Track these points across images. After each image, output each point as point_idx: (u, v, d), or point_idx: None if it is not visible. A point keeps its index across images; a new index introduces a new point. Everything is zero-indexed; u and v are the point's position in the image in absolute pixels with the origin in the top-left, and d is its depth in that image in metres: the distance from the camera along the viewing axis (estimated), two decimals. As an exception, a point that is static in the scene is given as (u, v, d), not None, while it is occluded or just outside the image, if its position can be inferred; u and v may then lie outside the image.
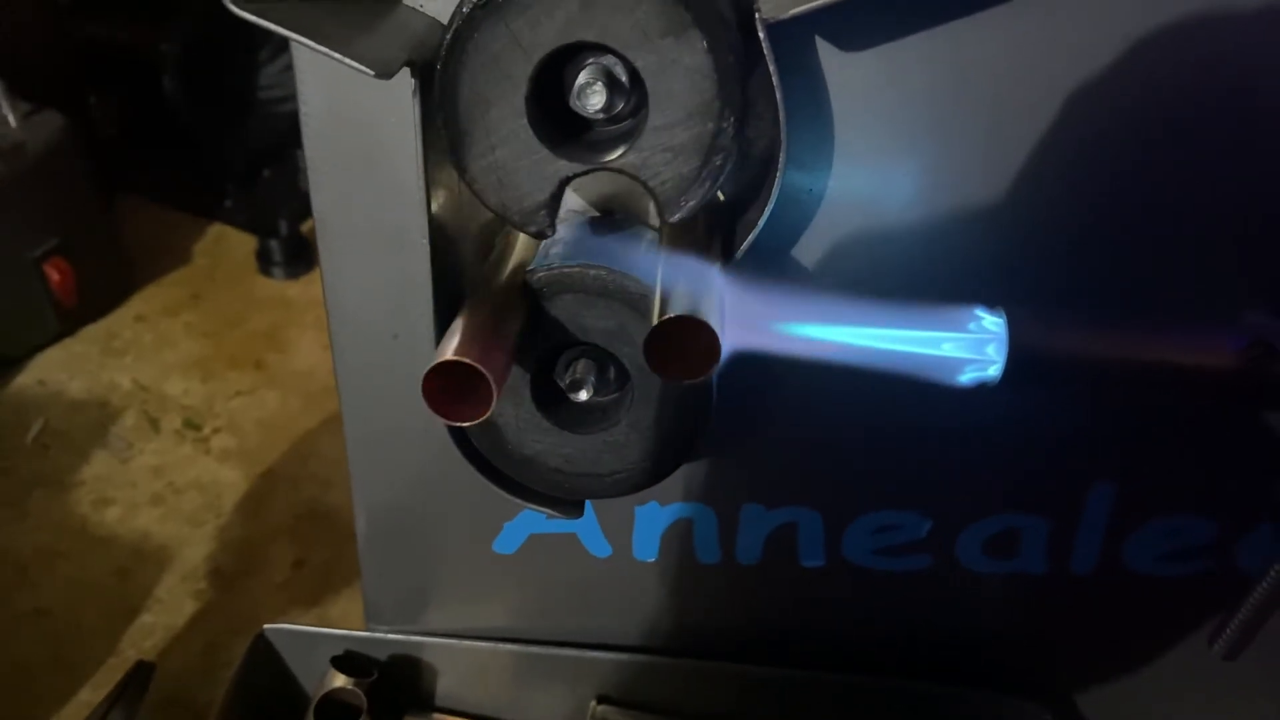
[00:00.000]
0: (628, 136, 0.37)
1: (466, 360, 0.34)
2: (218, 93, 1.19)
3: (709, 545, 0.54)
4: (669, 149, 0.36)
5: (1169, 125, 0.39)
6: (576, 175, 0.37)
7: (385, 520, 0.55)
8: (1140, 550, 0.52)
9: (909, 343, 0.36)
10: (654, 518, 0.53)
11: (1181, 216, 0.41)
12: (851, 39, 0.39)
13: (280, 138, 1.17)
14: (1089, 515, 0.51)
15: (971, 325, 0.36)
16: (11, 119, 0.92)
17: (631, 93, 0.37)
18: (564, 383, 0.43)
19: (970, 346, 0.35)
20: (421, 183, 0.40)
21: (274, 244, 1.01)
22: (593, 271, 0.40)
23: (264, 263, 1.03)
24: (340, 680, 0.55)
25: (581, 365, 0.43)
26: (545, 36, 0.35)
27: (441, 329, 0.43)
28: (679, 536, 0.54)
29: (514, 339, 0.38)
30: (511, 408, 0.43)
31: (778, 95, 0.36)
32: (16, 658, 0.71)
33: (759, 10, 0.35)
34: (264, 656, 0.58)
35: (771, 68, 0.36)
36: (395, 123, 0.42)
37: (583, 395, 0.43)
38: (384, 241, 0.45)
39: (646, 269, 0.40)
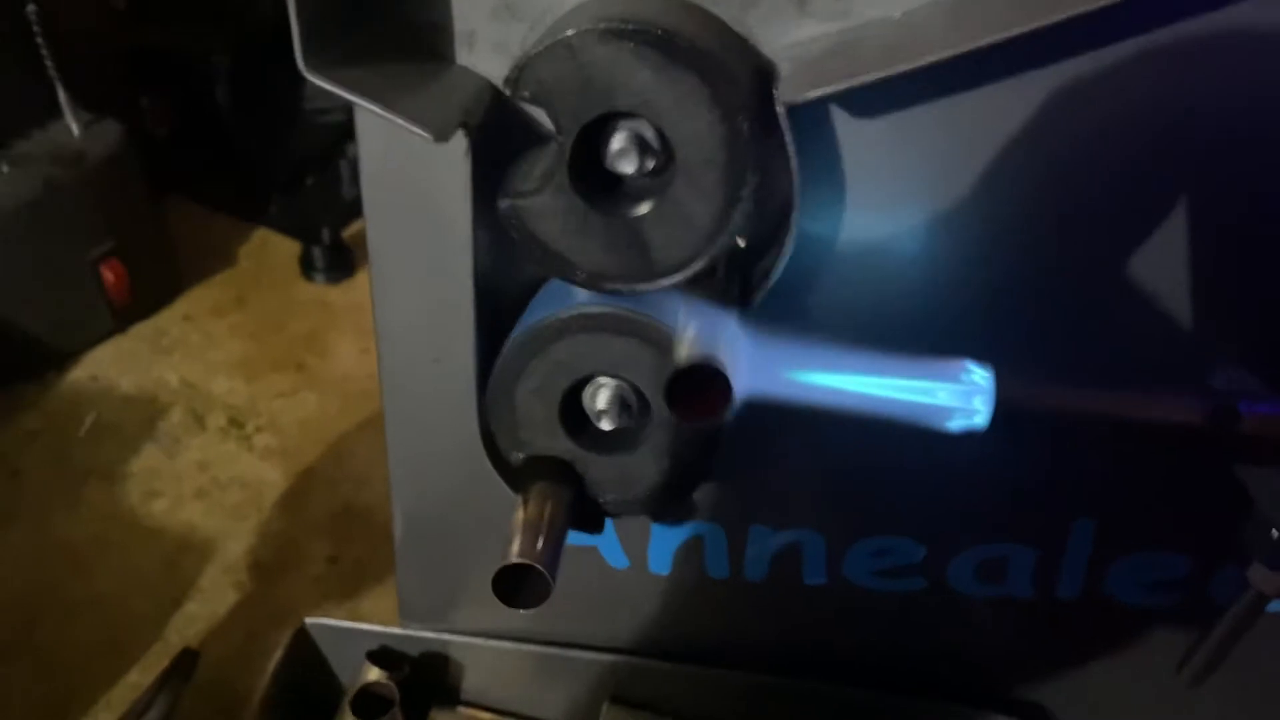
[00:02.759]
0: (655, 191, 0.41)
1: (529, 562, 0.40)
2: (265, 102, 1.23)
3: (719, 561, 0.57)
4: (692, 204, 0.40)
5: (1146, 203, 0.42)
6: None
7: (421, 527, 0.58)
8: (1120, 580, 0.54)
9: (906, 391, 0.39)
10: (668, 534, 0.56)
11: (1157, 287, 0.44)
12: (862, 107, 0.42)
13: (323, 147, 1.21)
14: (1072, 547, 0.53)
15: (962, 377, 0.39)
16: (74, 128, 0.96)
17: (659, 152, 0.40)
18: (590, 410, 0.47)
19: (960, 396, 0.38)
20: (469, 229, 0.43)
21: (317, 250, 1.04)
22: (618, 312, 0.44)
23: (306, 268, 1.07)
24: (374, 674, 0.58)
25: (606, 396, 0.46)
26: (589, 107, 0.38)
27: (482, 359, 0.47)
28: (691, 552, 0.56)
29: (564, 529, 0.44)
30: (544, 436, 0.46)
31: (793, 164, 0.40)
32: (71, 638, 0.74)
33: (777, 92, 0.38)
34: (304, 648, 0.61)
35: (788, 140, 0.39)
36: (445, 169, 0.45)
37: (606, 424, 0.46)
38: (431, 275, 0.48)
39: (668, 310, 0.43)
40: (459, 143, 0.41)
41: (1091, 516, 0.52)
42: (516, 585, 0.41)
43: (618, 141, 0.40)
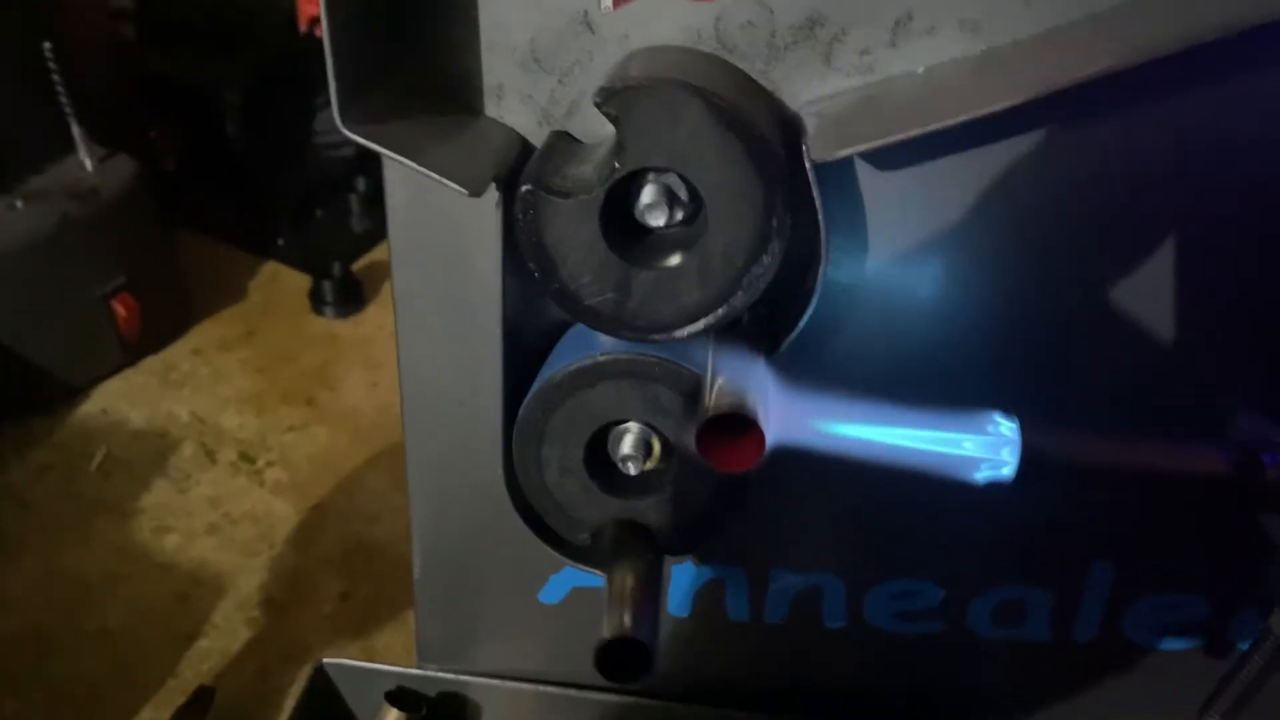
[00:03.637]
0: (683, 242, 0.41)
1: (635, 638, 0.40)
2: (275, 135, 1.24)
3: (739, 604, 0.57)
4: (721, 255, 0.40)
5: (1172, 255, 0.43)
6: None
7: (441, 568, 0.58)
8: (1137, 623, 0.54)
9: (933, 441, 0.39)
10: (689, 576, 0.56)
11: (1183, 339, 0.44)
12: (885, 160, 0.43)
13: (333, 180, 1.22)
14: (1090, 590, 0.53)
15: (989, 428, 0.39)
16: (88, 163, 0.96)
17: (688, 204, 0.41)
18: (615, 454, 0.47)
19: (987, 447, 0.39)
20: (498, 278, 0.44)
21: (327, 284, 1.05)
22: (644, 358, 0.44)
23: (316, 301, 1.07)
24: (393, 715, 0.58)
25: (631, 441, 0.46)
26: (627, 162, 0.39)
27: (508, 405, 0.47)
28: (711, 594, 0.57)
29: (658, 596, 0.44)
30: (571, 481, 0.47)
31: (820, 217, 0.40)
32: (84, 673, 0.74)
33: (806, 150, 0.39)
34: (321, 688, 0.61)
35: (815, 194, 0.40)
36: (472, 218, 0.46)
37: (632, 469, 0.47)
38: (456, 321, 0.49)
39: (697, 357, 0.44)
40: (490, 194, 0.41)
41: (1109, 560, 0.52)
42: (619, 659, 0.41)
43: (648, 195, 0.40)
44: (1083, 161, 0.42)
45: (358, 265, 1.14)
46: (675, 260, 0.40)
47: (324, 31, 0.37)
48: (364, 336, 1.06)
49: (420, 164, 0.38)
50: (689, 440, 0.43)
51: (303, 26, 1.37)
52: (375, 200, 1.21)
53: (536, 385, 0.46)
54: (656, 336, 0.42)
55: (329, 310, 1.08)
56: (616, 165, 0.38)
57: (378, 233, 1.24)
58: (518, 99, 0.44)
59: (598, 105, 0.37)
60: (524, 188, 0.39)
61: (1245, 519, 0.46)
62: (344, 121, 0.38)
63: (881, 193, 0.43)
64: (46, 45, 0.87)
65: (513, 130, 0.44)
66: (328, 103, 1.11)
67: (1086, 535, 0.52)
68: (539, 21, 0.42)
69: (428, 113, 0.43)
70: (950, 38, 0.40)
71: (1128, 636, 0.55)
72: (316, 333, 1.07)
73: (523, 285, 0.45)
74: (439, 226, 0.47)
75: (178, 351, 1.05)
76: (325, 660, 0.62)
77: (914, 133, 0.37)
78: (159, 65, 1.35)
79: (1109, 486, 0.44)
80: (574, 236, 0.39)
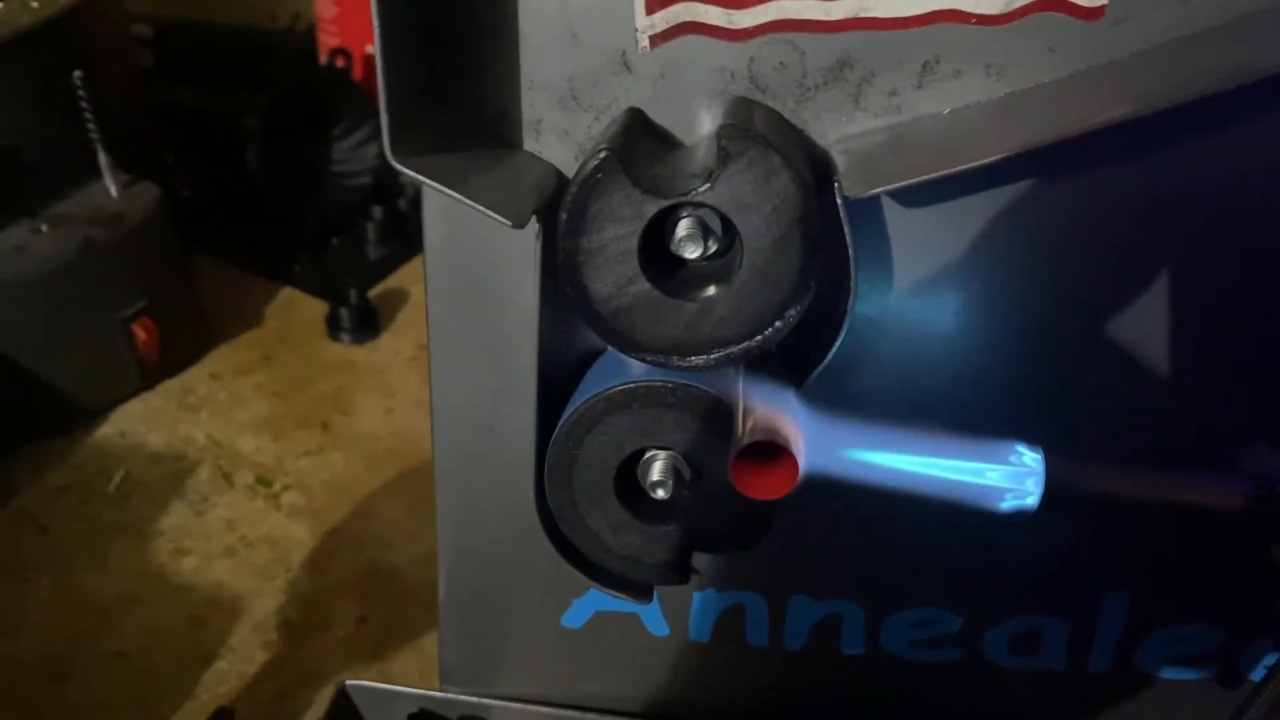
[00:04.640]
0: (718, 274, 0.42)
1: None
2: (293, 164, 1.26)
3: (759, 630, 0.58)
4: (758, 291, 0.41)
5: (1192, 290, 0.44)
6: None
7: (465, 591, 0.59)
8: (1152, 653, 0.55)
9: (957, 471, 0.41)
10: (710, 602, 0.57)
11: (1201, 375, 0.46)
12: (910, 197, 0.44)
13: (349, 209, 1.24)
14: (1105, 620, 0.54)
15: (1012, 459, 0.40)
16: (112, 189, 0.98)
17: (721, 237, 0.42)
18: (644, 481, 0.48)
19: (1012, 478, 0.40)
20: (535, 307, 0.45)
21: (344, 311, 1.06)
22: (674, 386, 0.45)
23: (333, 328, 1.08)
24: None
25: (661, 467, 0.48)
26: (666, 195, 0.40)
27: (541, 430, 0.48)
28: (732, 621, 0.58)
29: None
30: (602, 506, 0.48)
31: (850, 251, 0.42)
32: (100, 696, 0.75)
33: (839, 187, 0.40)
34: (344, 709, 0.62)
35: (846, 230, 0.41)
36: (508, 249, 0.47)
37: (661, 494, 0.48)
38: (489, 348, 0.50)
39: (727, 386, 0.45)
40: (530, 226, 0.43)
41: (1125, 590, 0.53)
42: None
43: (684, 228, 0.41)
44: (1101, 198, 0.43)
45: (373, 292, 1.16)
46: (710, 292, 0.42)
47: (379, 70, 0.38)
48: (379, 363, 1.07)
49: (465, 196, 0.40)
50: (719, 467, 0.45)
51: (322, 58, 1.39)
52: (390, 229, 1.23)
53: (569, 412, 0.47)
54: (689, 364, 0.43)
55: (345, 336, 1.09)
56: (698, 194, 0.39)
57: (392, 261, 1.25)
58: (555, 135, 0.45)
59: (722, 138, 0.38)
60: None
61: (1259, 550, 0.47)
62: (394, 155, 0.39)
63: (904, 226, 0.45)
64: (77, 74, 0.89)
65: (550, 165, 0.45)
66: (345, 133, 1.13)
67: (1102, 565, 0.53)
68: (578, 61, 0.43)
69: (469, 148, 0.44)
70: (975, 82, 0.42)
71: (1141, 667, 0.56)
72: (332, 358, 1.08)
73: (556, 315, 0.47)
74: (475, 257, 0.48)
75: (195, 376, 1.07)
76: (348, 682, 0.63)
77: (941, 173, 0.39)
78: (177, 94, 1.37)
79: (1127, 517, 0.46)
80: (614, 267, 0.41)
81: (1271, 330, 0.45)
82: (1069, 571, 0.53)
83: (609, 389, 0.46)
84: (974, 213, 0.44)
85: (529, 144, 0.45)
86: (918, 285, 0.46)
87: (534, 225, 0.43)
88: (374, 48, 0.38)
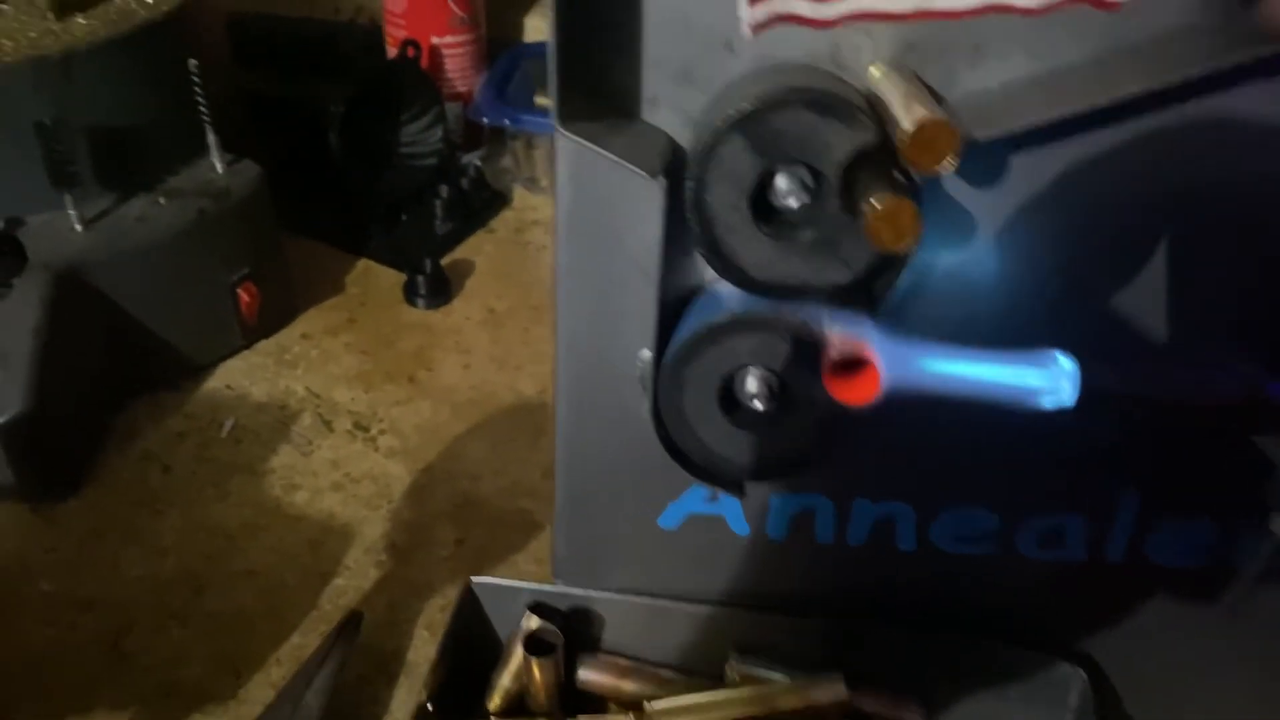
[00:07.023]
0: (810, 220, 0.51)
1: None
2: (368, 147, 1.34)
3: (826, 529, 0.64)
4: (846, 235, 0.50)
5: (1202, 229, 0.52)
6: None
7: (578, 499, 0.66)
8: (1159, 545, 0.62)
9: (1006, 375, 0.49)
10: (785, 505, 0.64)
11: (1205, 296, 0.53)
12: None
13: (418, 187, 1.32)
14: (1120, 517, 0.61)
15: (1051, 365, 0.48)
16: (219, 166, 1.07)
17: (813, 190, 0.51)
18: (741, 394, 0.57)
19: (1050, 379, 0.48)
20: (656, 253, 0.53)
21: (420, 278, 1.15)
22: (771, 313, 0.54)
23: (410, 294, 1.17)
24: (536, 622, 0.66)
25: (757, 382, 0.56)
26: (774, 151, 0.48)
27: (658, 351, 0.57)
28: (803, 521, 0.64)
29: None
30: (705, 418, 0.57)
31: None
32: (237, 606, 0.83)
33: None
34: (471, 603, 0.70)
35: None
36: (629, 202, 0.54)
37: (757, 405, 0.56)
38: (608, 286, 0.57)
39: (813, 314, 0.53)
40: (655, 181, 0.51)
41: (1137, 490, 0.60)
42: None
43: (782, 181, 0.50)
44: (1132, 158, 0.50)
45: (446, 261, 1.25)
46: (809, 235, 0.50)
47: (552, 55, 0.47)
48: (453, 325, 1.16)
49: (612, 154, 0.48)
50: (807, 382, 0.54)
51: (391, 49, 1.48)
52: (455, 205, 1.32)
53: (678, 337, 0.56)
54: (786, 296, 0.52)
55: (420, 302, 1.17)
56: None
57: (457, 235, 1.33)
58: (669, 109, 0.52)
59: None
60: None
61: (1248, 446, 0.55)
62: (563, 124, 0.48)
63: (950, 181, 0.52)
64: (193, 62, 0.98)
65: (665, 133, 0.53)
66: (413, 118, 1.23)
67: (1119, 467, 0.59)
68: (691, 45, 0.51)
69: (602, 118, 0.53)
70: (1018, 62, 0.49)
71: (1151, 558, 0.63)
72: (411, 321, 1.16)
73: (671, 257, 0.55)
74: (600, 209, 0.55)
75: (288, 336, 1.15)
76: (473, 579, 0.71)
77: (998, 132, 0.47)
78: (255, 82, 1.46)
79: (1141, 422, 0.54)
80: (730, 216, 0.50)
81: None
82: (1089, 473, 0.59)
83: (712, 319, 0.55)
84: (1014, 167, 0.51)
85: (646, 115, 0.53)
86: (966, 229, 0.54)
87: (663, 180, 0.51)
88: (549, 39, 0.46)
